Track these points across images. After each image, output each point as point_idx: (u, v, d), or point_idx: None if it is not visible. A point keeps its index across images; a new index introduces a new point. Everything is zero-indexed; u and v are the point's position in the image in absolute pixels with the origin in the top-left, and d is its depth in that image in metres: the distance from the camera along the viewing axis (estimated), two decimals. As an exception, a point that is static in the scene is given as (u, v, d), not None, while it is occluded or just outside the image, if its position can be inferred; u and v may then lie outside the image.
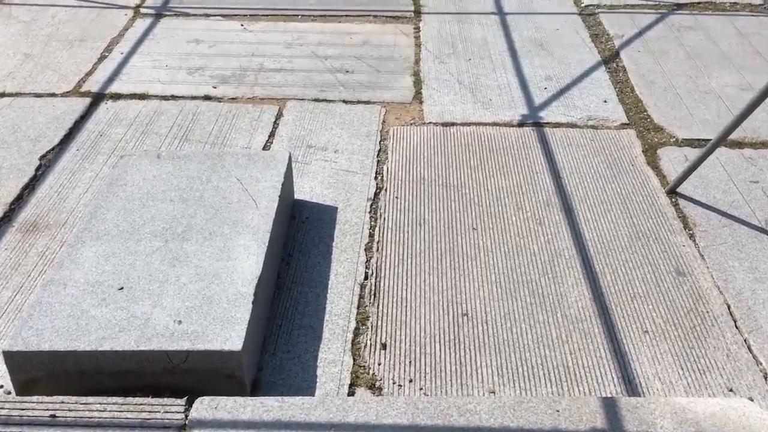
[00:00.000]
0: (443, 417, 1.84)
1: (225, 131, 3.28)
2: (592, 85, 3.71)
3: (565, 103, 3.54)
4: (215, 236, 2.32)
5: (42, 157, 3.09)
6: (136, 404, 1.87)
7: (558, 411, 1.86)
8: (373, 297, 2.40)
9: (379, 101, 3.54)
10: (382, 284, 2.45)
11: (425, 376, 2.13)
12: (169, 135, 3.25)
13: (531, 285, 2.46)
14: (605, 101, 3.56)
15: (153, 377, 1.97)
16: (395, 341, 2.25)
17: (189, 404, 1.88)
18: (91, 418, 1.83)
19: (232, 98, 3.55)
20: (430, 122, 3.38)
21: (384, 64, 3.90)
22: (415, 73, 3.81)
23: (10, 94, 3.55)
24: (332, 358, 2.18)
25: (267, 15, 4.45)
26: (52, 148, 3.15)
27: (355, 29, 4.29)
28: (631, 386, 2.11)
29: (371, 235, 2.67)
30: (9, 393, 2.04)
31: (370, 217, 2.76)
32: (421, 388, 2.10)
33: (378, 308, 2.36)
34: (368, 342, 2.24)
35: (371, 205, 2.83)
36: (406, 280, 2.48)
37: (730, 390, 2.10)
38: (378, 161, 3.09)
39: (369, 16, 4.47)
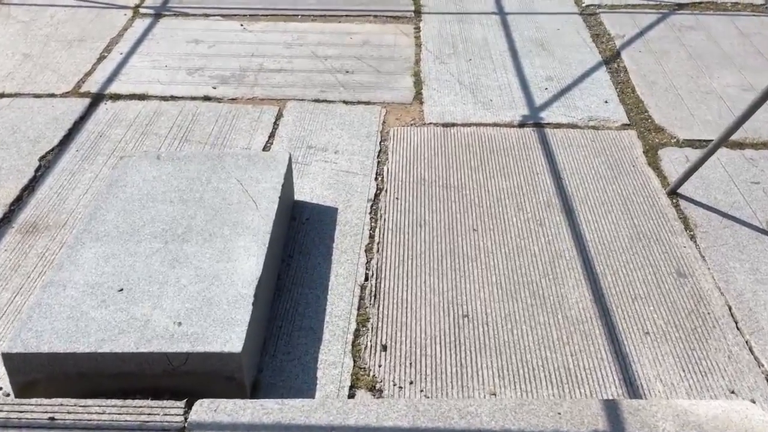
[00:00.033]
0: (444, 419, 1.83)
1: (225, 132, 3.28)
2: (593, 85, 3.70)
3: (566, 104, 3.53)
4: (215, 237, 2.31)
5: (41, 158, 3.08)
6: (135, 407, 1.86)
7: (559, 413, 1.85)
8: (373, 298, 2.40)
9: (380, 102, 3.53)
10: (382, 285, 2.45)
11: (426, 378, 2.13)
12: (169, 136, 3.24)
13: (532, 286, 2.45)
14: (606, 102, 3.55)
15: (152, 379, 1.96)
16: (396, 343, 2.24)
17: (188, 407, 1.87)
18: (90, 420, 1.83)
19: (232, 99, 3.55)
20: (431, 123, 3.37)
21: (384, 65, 3.89)
22: (416, 74, 3.80)
23: (9, 95, 3.55)
24: (332, 360, 2.17)
25: (267, 15, 4.44)
26: (52, 149, 3.14)
27: (355, 29, 4.29)
28: (632, 388, 2.10)
29: (371, 236, 2.67)
30: (8, 395, 2.03)
31: (371, 218, 2.75)
32: (421, 390, 2.09)
33: (378, 310, 2.35)
34: (369, 343, 2.24)
35: (371, 206, 2.82)
36: (407, 281, 2.47)
37: (732, 392, 2.09)
38: (378, 162, 3.09)
39: (369, 16, 4.46)
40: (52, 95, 3.55)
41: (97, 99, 3.52)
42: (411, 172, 3.01)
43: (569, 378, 2.13)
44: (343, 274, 2.49)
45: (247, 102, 3.53)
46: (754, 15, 4.47)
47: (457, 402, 1.89)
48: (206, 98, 3.54)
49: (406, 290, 2.43)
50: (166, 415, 1.85)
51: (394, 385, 2.11)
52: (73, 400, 1.88)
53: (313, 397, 2.05)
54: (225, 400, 1.88)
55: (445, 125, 3.35)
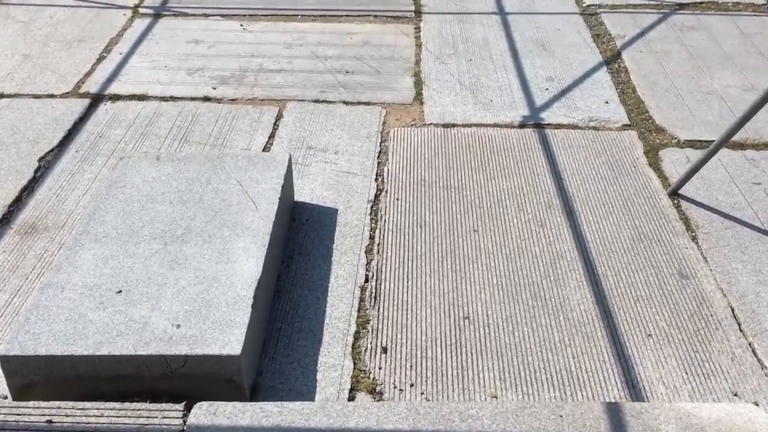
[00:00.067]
0: (445, 422, 1.82)
1: (225, 132, 3.26)
2: (594, 85, 3.69)
3: (567, 104, 3.52)
4: (215, 239, 2.30)
5: (41, 159, 3.07)
6: (133, 409, 1.85)
7: (561, 416, 1.84)
8: (373, 300, 2.38)
9: (380, 102, 3.52)
10: (382, 287, 2.43)
11: (426, 381, 2.11)
12: (169, 136, 3.23)
13: (533, 288, 2.44)
14: (607, 102, 3.54)
15: (151, 382, 1.95)
16: (396, 345, 2.23)
17: (187, 409, 1.85)
18: (88, 423, 1.81)
19: (232, 99, 3.53)
20: (431, 123, 3.36)
21: (384, 65, 3.88)
22: (416, 74, 3.79)
23: (9, 95, 3.53)
24: (332, 362, 2.16)
25: (267, 15, 4.43)
26: (51, 150, 3.13)
27: (355, 29, 4.27)
28: (634, 390, 2.09)
29: (372, 238, 2.65)
30: (5, 398, 2.02)
31: (371, 219, 2.74)
32: (422, 393, 2.08)
33: (379, 311, 2.34)
34: (369, 346, 2.22)
35: (372, 207, 2.80)
36: (407, 282, 2.46)
37: (735, 394, 2.08)
38: (378, 163, 3.07)
39: (369, 16, 4.45)
40: (52, 96, 3.54)
41: (96, 99, 3.51)
42: (411, 173, 3.00)
43: (571, 380, 2.11)
44: (343, 276, 2.47)
45: (246, 102, 3.51)
46: (755, 15, 4.46)
47: (458, 405, 1.88)
48: (206, 99, 3.53)
49: (407, 292, 2.42)
50: (164, 417, 1.84)
51: (395, 387, 2.09)
52: (71, 403, 1.87)
53: (313, 400, 2.04)
54: (224, 402, 1.87)
55: (446, 126, 3.34)
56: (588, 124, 3.37)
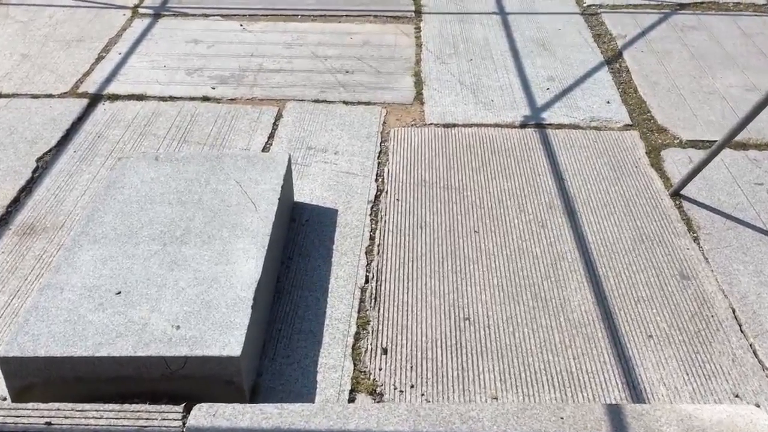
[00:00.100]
0: (446, 424, 1.81)
1: (224, 133, 3.25)
2: (595, 85, 3.68)
3: (568, 104, 3.51)
4: (214, 239, 2.29)
5: (39, 159, 3.06)
6: (133, 411, 1.84)
7: (562, 418, 1.83)
8: (373, 301, 2.37)
9: (380, 102, 3.51)
10: (383, 288, 2.42)
11: (427, 382, 2.10)
12: (168, 136, 3.22)
13: (533, 289, 2.43)
14: (608, 102, 3.53)
15: (151, 383, 1.94)
16: (396, 346, 2.22)
17: (187, 411, 1.85)
18: (88, 425, 1.80)
19: (231, 99, 3.52)
20: (431, 123, 3.35)
21: (384, 65, 3.87)
22: (416, 74, 3.78)
23: (7, 95, 3.52)
24: (332, 363, 2.15)
25: (266, 15, 4.42)
26: (49, 150, 3.12)
27: (355, 29, 4.26)
28: (635, 392, 2.08)
29: (372, 238, 2.64)
30: (4, 399, 2.01)
31: (371, 220, 2.73)
32: (422, 394, 2.07)
33: (379, 312, 2.33)
34: (369, 347, 2.21)
35: (372, 208, 2.80)
36: (408, 283, 2.45)
37: (736, 396, 2.07)
38: (379, 163, 3.06)
39: (369, 16, 4.44)
40: (50, 96, 3.53)
41: (95, 99, 3.50)
42: (412, 173, 2.99)
43: (572, 382, 2.11)
44: (343, 277, 2.46)
45: (246, 102, 3.50)
46: (756, 15, 4.45)
47: (459, 406, 1.87)
48: (205, 99, 3.52)
49: (407, 293, 2.41)
50: (164, 419, 1.83)
51: (395, 388, 2.08)
52: (70, 405, 1.86)
53: (313, 401, 2.03)
54: (224, 404, 1.86)
55: (446, 126, 3.33)
56: (589, 124, 3.36)
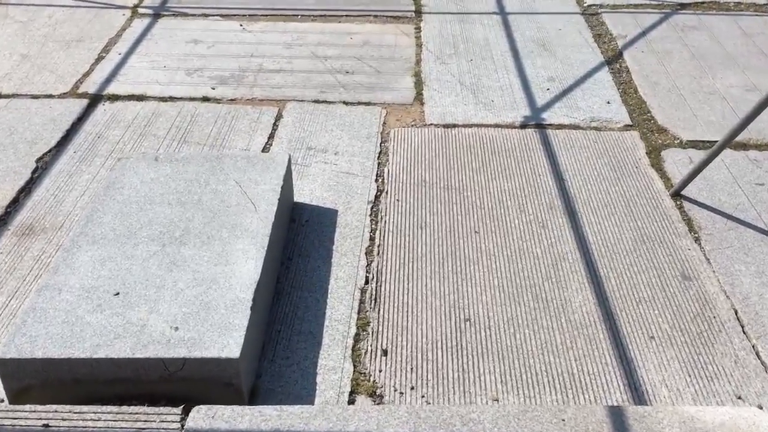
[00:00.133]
0: (446, 426, 1.80)
1: (224, 133, 3.24)
2: (595, 85, 3.67)
3: (568, 104, 3.50)
4: (213, 240, 2.27)
5: (38, 160, 3.05)
6: (131, 413, 1.83)
7: (563, 420, 1.82)
8: (373, 302, 2.36)
9: (380, 102, 3.50)
10: (383, 289, 2.41)
11: (427, 384, 2.09)
12: (167, 137, 3.21)
13: (534, 289, 2.42)
14: (608, 102, 3.52)
15: (149, 385, 1.93)
16: (396, 347, 2.21)
17: (185, 413, 1.84)
18: (86, 427, 1.79)
19: (231, 99, 3.52)
20: (432, 124, 3.34)
21: (384, 65, 3.86)
22: (416, 74, 3.77)
23: (7, 96, 3.51)
24: (332, 365, 2.14)
25: (266, 15, 4.41)
26: (49, 151, 3.11)
27: (355, 29, 4.25)
28: (637, 393, 2.06)
29: (372, 239, 2.63)
30: (1, 401, 2.00)
31: (371, 220, 2.72)
32: (423, 396, 2.06)
33: (379, 313, 2.32)
34: (369, 348, 2.20)
35: (372, 208, 2.78)
36: (408, 284, 2.43)
37: (739, 397, 2.06)
38: (379, 163, 3.05)
39: (369, 16, 4.43)
40: (50, 96, 3.52)
41: (95, 100, 3.49)
42: (412, 174, 2.98)
43: (573, 383, 2.09)
44: (343, 277, 2.45)
45: (246, 103, 3.49)
46: (757, 15, 4.44)
47: (459, 408, 1.86)
48: (205, 99, 3.51)
49: (407, 294, 2.40)
50: (162, 421, 1.82)
51: (395, 390, 2.07)
52: (68, 407, 1.85)
53: (313, 403, 2.02)
54: (222, 406, 1.85)
55: (446, 126, 3.32)
56: (590, 124, 3.35)
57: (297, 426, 1.79)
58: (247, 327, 1.98)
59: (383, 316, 2.31)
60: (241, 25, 4.27)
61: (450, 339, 2.23)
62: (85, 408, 1.84)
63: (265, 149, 3.14)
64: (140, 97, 3.51)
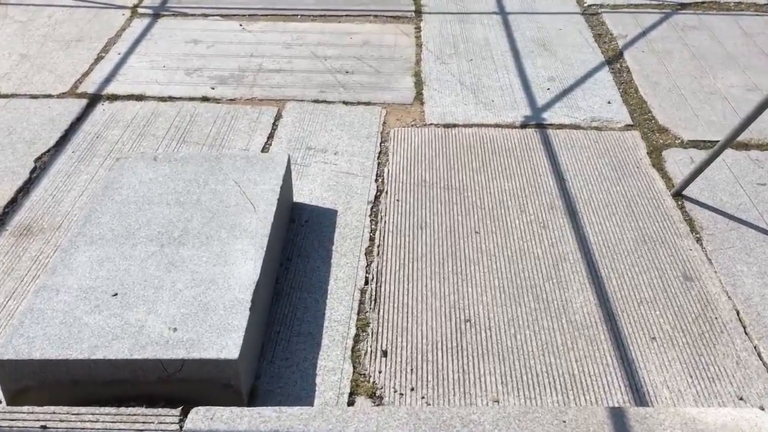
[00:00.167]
0: (446, 428, 1.78)
1: (223, 133, 3.23)
2: (596, 85, 3.66)
3: (569, 104, 3.48)
4: (212, 240, 2.26)
5: (37, 160, 3.04)
6: (129, 415, 1.82)
7: (564, 421, 1.81)
8: (373, 302, 2.35)
9: (380, 102, 3.49)
10: (382, 289, 2.40)
11: (427, 385, 2.08)
12: (167, 137, 3.20)
13: (535, 290, 2.40)
14: (609, 102, 3.51)
15: (147, 387, 1.92)
16: (396, 348, 2.19)
17: (184, 415, 1.82)
18: (83, 429, 1.78)
19: (231, 99, 3.50)
20: (432, 123, 3.33)
21: (384, 65, 3.85)
22: (416, 74, 3.76)
23: (5, 96, 3.50)
24: (332, 366, 2.12)
25: (266, 15, 4.40)
26: (48, 150, 3.10)
27: (355, 29, 4.24)
28: (638, 395, 2.05)
29: (372, 239, 2.62)
30: (-1, 402, 1.99)
31: (371, 221, 2.71)
32: (423, 397, 2.04)
33: (379, 314, 2.31)
34: (369, 349, 2.19)
35: (372, 208, 2.77)
36: (408, 285, 2.42)
37: (741, 399, 2.04)
38: (379, 163, 3.04)
39: (369, 15, 4.42)
40: (49, 96, 3.51)
41: (94, 100, 3.48)
42: (412, 174, 2.97)
43: (574, 384, 2.08)
44: (342, 278, 2.44)
45: (245, 103, 3.48)
46: (757, 15, 4.42)
47: (460, 410, 1.85)
48: (204, 99, 3.50)
49: (407, 294, 2.39)
50: (161, 423, 1.81)
51: (395, 391, 2.06)
52: (66, 408, 1.84)
53: (312, 405, 2.00)
54: (221, 407, 1.84)
55: (447, 126, 3.31)
56: (590, 124, 3.34)
57: (296, 427, 1.78)
58: (246, 328, 1.96)
59: (383, 316, 2.30)
60: (240, 25, 4.26)
61: (450, 340, 2.22)
62: (83, 409, 1.83)
63: (265, 149, 3.13)
64: (139, 97, 3.50)
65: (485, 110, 3.43)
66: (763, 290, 2.40)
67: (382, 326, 2.26)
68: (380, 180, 2.94)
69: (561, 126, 3.31)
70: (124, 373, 1.90)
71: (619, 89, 3.62)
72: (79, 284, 2.09)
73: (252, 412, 1.83)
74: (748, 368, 2.14)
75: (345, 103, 3.48)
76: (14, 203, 2.79)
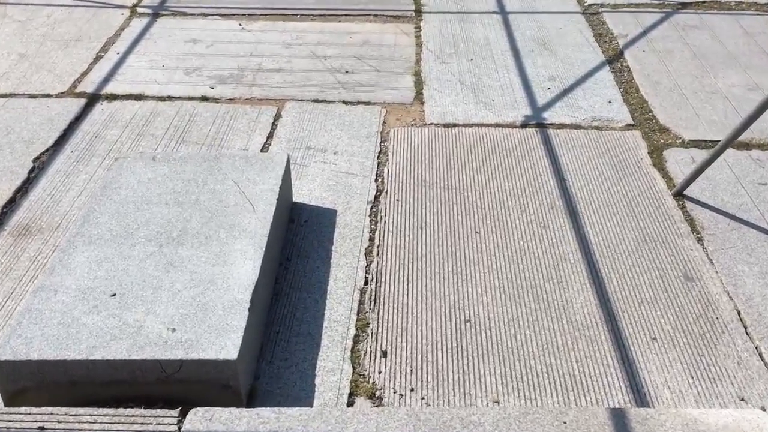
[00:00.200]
0: (446, 429, 1.77)
1: (222, 133, 3.22)
2: (596, 85, 3.65)
3: (569, 104, 3.47)
4: (211, 241, 2.25)
5: (35, 159, 3.03)
6: (127, 415, 1.81)
7: (565, 422, 1.80)
8: (373, 303, 2.34)
9: (380, 102, 3.48)
10: (382, 290, 2.39)
11: (427, 385, 2.07)
12: (165, 136, 3.19)
13: (535, 290, 2.39)
14: (610, 102, 3.50)
15: (146, 387, 1.91)
16: (396, 349, 2.18)
17: (182, 415, 1.81)
18: (81, 430, 1.77)
19: (230, 99, 3.49)
20: (432, 123, 3.32)
21: (384, 64, 3.84)
22: (416, 74, 3.75)
23: (4, 95, 3.49)
24: (331, 367, 2.11)
25: (265, 14, 4.39)
26: (46, 150, 3.09)
27: (355, 29, 4.23)
28: (639, 395, 2.04)
29: (371, 239, 2.61)
30: (-3, 403, 1.98)
31: (371, 221, 2.70)
32: (422, 398, 2.03)
33: (378, 314, 2.30)
34: (368, 349, 2.18)
35: (371, 208, 2.76)
36: (407, 285, 2.41)
37: (742, 399, 2.03)
38: (378, 163, 3.03)
39: (369, 15, 4.41)
40: (48, 95, 3.50)
41: (92, 99, 3.47)
42: (412, 174, 2.96)
43: (574, 385, 2.07)
44: (342, 278, 2.43)
45: (245, 102, 3.47)
46: (758, 14, 4.42)
47: (460, 410, 1.84)
48: (204, 98, 3.49)
49: (407, 294, 2.38)
50: (159, 424, 1.80)
51: (395, 392, 2.05)
52: (64, 409, 1.83)
53: (311, 405, 1.99)
54: (220, 408, 1.83)
55: (447, 126, 3.30)
56: (591, 123, 3.33)
57: (295, 428, 1.77)
58: (245, 328, 1.96)
59: (383, 317, 2.29)
60: (240, 25, 4.25)
61: (450, 340, 2.21)
62: (81, 410, 1.82)
63: (264, 149, 3.12)
64: (138, 97, 3.49)
65: (485, 110, 3.42)
66: (765, 290, 2.39)
67: (382, 326, 2.26)
68: (380, 180, 2.93)
69: (561, 126, 3.31)
70: (123, 373, 1.89)
71: (619, 89, 3.62)
72: (77, 284, 2.08)
73: (251, 413, 1.82)
74: (750, 369, 2.13)
75: (345, 102, 3.47)
76: (12, 203, 2.78)
